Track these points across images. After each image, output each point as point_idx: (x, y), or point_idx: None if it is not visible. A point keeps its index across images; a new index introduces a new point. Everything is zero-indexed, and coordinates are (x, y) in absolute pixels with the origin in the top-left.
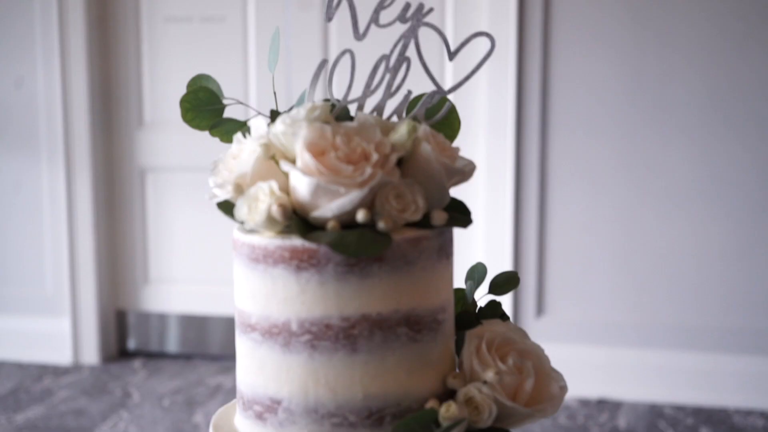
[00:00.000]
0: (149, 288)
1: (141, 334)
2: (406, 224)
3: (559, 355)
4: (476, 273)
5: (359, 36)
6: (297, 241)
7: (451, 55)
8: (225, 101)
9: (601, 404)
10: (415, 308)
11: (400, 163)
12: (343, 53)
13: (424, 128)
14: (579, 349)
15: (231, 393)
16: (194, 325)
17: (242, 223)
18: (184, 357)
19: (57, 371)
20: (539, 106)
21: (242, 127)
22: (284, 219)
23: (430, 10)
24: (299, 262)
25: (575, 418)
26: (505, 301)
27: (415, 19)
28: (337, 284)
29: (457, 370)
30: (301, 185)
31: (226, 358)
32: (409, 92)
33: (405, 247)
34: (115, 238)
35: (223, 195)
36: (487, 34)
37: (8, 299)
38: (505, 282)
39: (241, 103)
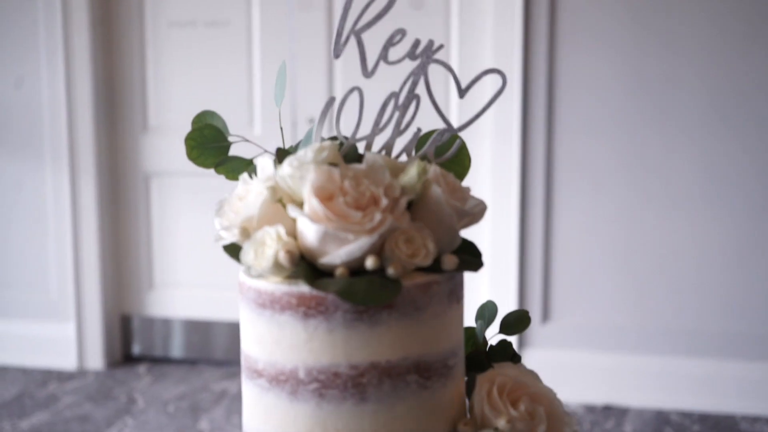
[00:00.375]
0: (154, 293)
1: (146, 339)
2: (416, 268)
3: (565, 361)
4: (486, 311)
5: (368, 73)
6: (304, 288)
7: (462, 93)
8: (230, 138)
9: (607, 410)
10: (425, 355)
11: (409, 205)
12: (351, 91)
13: (434, 169)
14: (584, 355)
15: (236, 399)
16: (199, 329)
17: (248, 268)
18: (189, 362)
19: (61, 376)
20: (545, 111)
21: (248, 165)
22: (291, 265)
23: (440, 46)
24: (307, 309)
25: (581, 424)
26: (511, 307)
27: (425, 56)
28: (345, 332)
29: (468, 415)
30: (309, 232)
31: (230, 363)
32: (419, 130)
33: (415, 293)
34: (120, 243)
35: (230, 238)
36: (498, 71)
37: (12, 304)
38: (516, 321)
39: (246, 140)
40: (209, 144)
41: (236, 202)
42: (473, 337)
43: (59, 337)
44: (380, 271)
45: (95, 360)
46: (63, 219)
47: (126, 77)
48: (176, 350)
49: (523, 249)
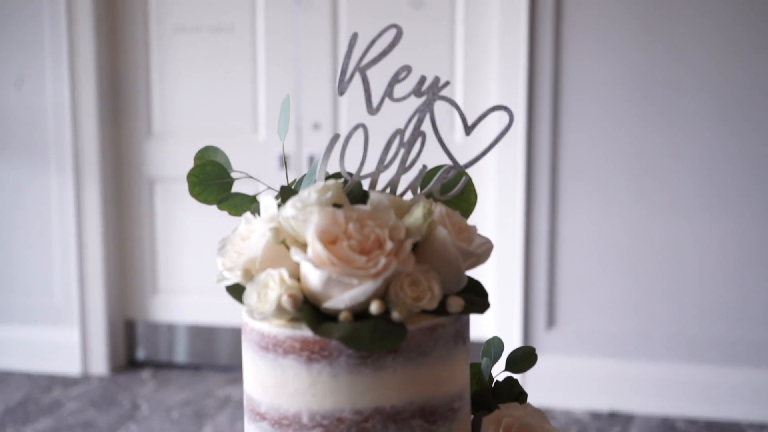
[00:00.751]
0: (158, 298)
1: (150, 344)
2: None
3: (570, 368)
4: (492, 348)
5: (373, 110)
6: (308, 332)
7: (468, 130)
8: (233, 175)
9: (613, 417)
10: (431, 399)
11: (415, 246)
12: (356, 128)
13: (439, 210)
14: (590, 362)
15: (240, 405)
16: (203, 335)
17: (251, 310)
18: (193, 367)
19: (66, 382)
20: (550, 116)
21: (251, 202)
22: (295, 309)
23: (446, 83)
24: (310, 353)
25: (586, 431)
26: (516, 313)
27: (431, 93)
28: (349, 377)
29: None
30: (313, 276)
31: (234, 368)
32: (424, 167)
33: (420, 336)
34: (124, 248)
35: (233, 279)
36: (506, 108)
37: (17, 309)
38: (523, 358)
39: (249, 176)
40: (211, 181)
41: (239, 242)
42: (479, 373)
43: (63, 343)
44: (385, 314)
45: (99, 365)
46: (67, 224)
47: (130, 82)
48: (180, 355)
49: (528, 254)
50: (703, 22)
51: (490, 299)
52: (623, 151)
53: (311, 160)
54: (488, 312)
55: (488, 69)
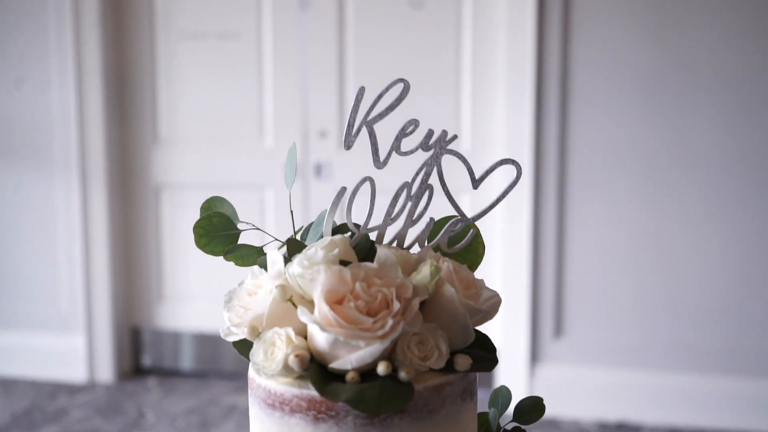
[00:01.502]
0: (164, 305)
1: (156, 352)
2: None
3: (578, 377)
4: (500, 398)
5: (380, 164)
6: (315, 391)
7: (476, 183)
8: (240, 226)
9: (621, 428)
10: None
11: (422, 303)
12: (363, 181)
13: (446, 266)
14: (598, 371)
15: (245, 414)
16: (209, 342)
17: (258, 368)
18: (199, 375)
19: (71, 389)
20: (557, 132)
21: (258, 254)
22: (302, 369)
23: (454, 137)
24: (317, 413)
25: None
26: (523, 322)
27: (438, 146)
28: None
29: None
30: (320, 337)
31: (240, 376)
32: (431, 220)
33: (427, 395)
34: (130, 255)
35: (239, 334)
36: (513, 162)
37: (23, 316)
38: (531, 409)
39: (256, 228)
40: (218, 232)
41: (245, 297)
42: (486, 423)
43: (69, 349)
44: (392, 372)
45: (105, 372)
46: (73, 230)
47: (137, 88)
48: (186, 362)
49: (535, 263)
50: (709, 29)
51: (501, 309)
52: (631, 161)
53: (318, 167)
54: (496, 321)
55: (495, 73)
